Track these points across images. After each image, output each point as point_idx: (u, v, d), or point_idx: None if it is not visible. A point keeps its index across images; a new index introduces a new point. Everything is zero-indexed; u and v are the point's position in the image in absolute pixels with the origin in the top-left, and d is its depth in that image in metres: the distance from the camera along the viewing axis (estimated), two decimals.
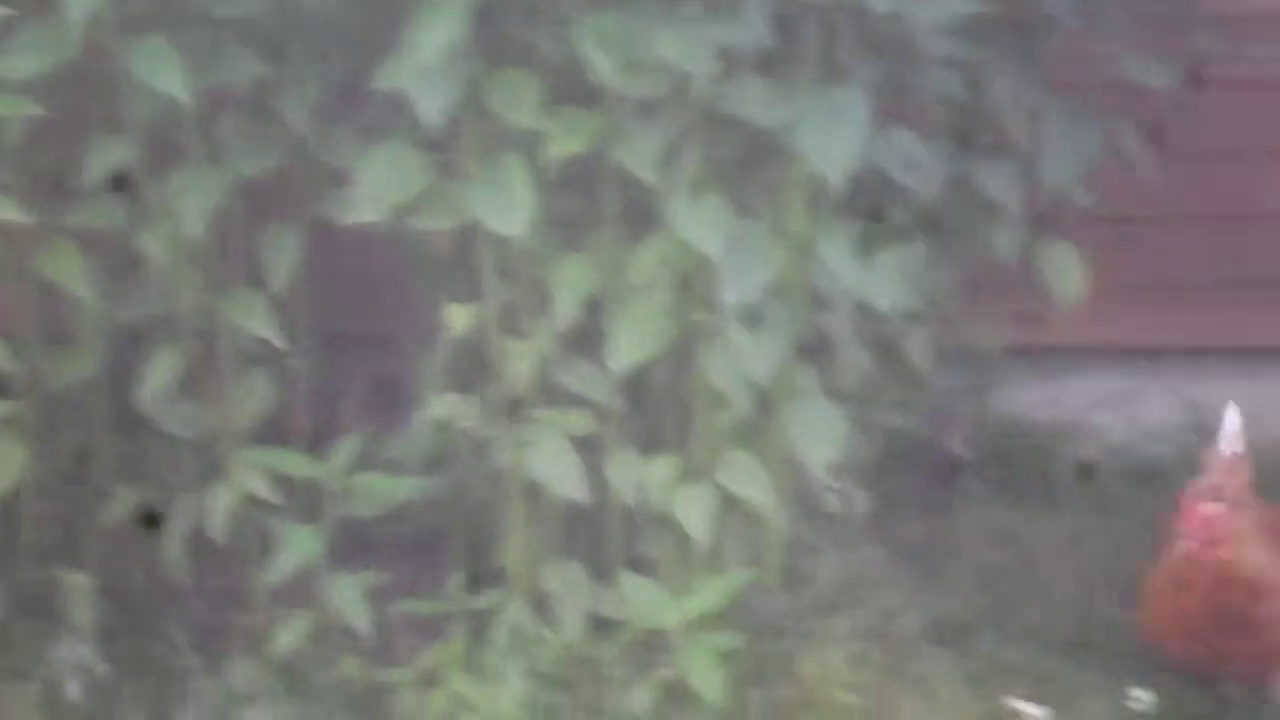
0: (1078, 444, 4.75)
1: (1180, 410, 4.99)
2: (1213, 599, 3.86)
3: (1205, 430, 4.93)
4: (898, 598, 4.36)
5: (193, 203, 3.98)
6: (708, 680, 3.93)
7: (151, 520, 4.27)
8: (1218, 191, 4.95)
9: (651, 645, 4.04)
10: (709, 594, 4.02)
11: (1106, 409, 4.96)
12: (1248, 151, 4.93)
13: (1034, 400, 4.80)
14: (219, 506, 4.09)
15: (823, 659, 4.11)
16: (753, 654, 4.12)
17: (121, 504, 4.22)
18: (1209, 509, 3.84)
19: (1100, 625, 4.33)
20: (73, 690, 4.09)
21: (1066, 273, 4.25)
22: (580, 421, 4.09)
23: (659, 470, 4.07)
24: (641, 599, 4.04)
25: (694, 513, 4.03)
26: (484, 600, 4.14)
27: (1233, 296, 4.94)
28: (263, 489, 4.10)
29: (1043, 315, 4.38)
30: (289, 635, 4.09)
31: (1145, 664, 4.16)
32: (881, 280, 3.98)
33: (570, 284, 4.00)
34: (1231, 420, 3.92)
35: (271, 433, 4.23)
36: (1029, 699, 4.13)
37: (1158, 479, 4.86)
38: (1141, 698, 4.09)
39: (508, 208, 3.94)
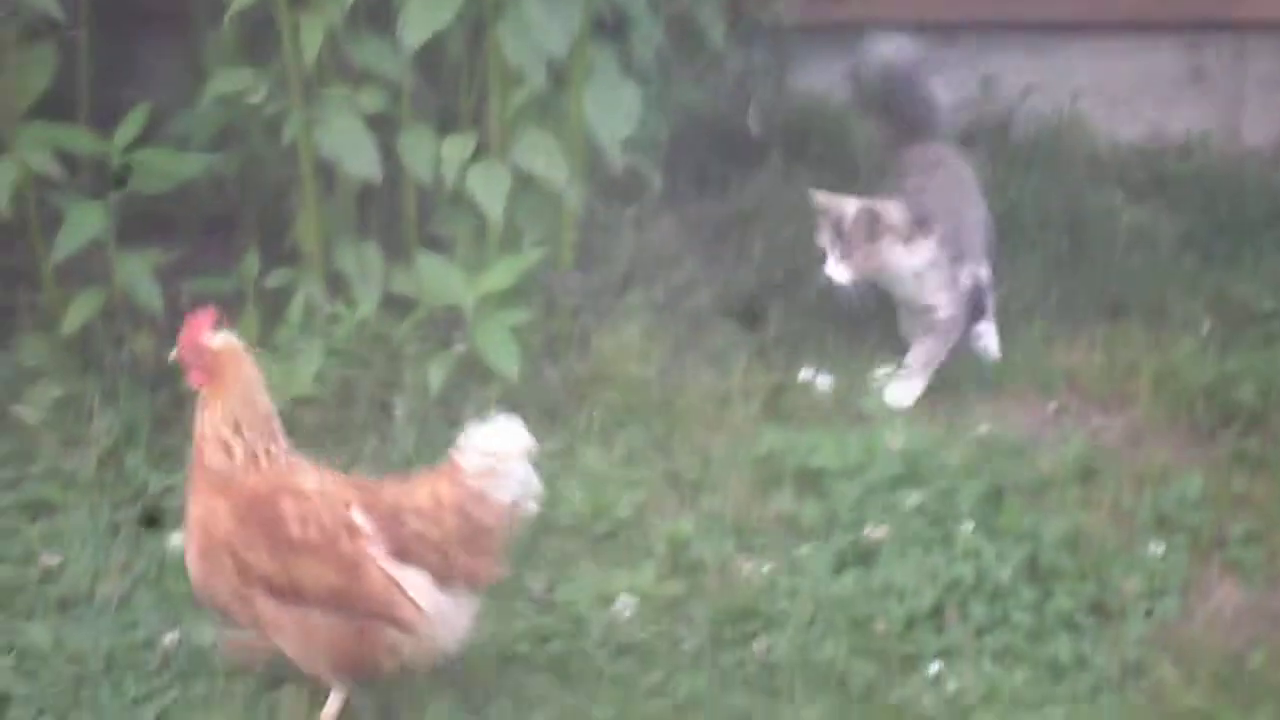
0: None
1: (975, 84, 5.05)
2: None
3: (998, 102, 5.04)
4: (692, 274, 4.42)
5: None
6: (502, 355, 3.97)
7: None
8: None
9: (446, 322, 4.07)
10: (503, 271, 4.03)
11: None
12: None
13: (832, 77, 4.79)
14: (3, 182, 4.00)
15: (617, 335, 4.17)
16: (547, 331, 4.17)
17: None
18: None
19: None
20: None
21: None
22: (372, 98, 4.04)
23: (454, 148, 4.05)
24: (437, 277, 4.05)
25: (489, 191, 4.02)
26: (277, 279, 4.13)
27: None
28: (45, 165, 4.02)
29: None
30: (78, 312, 4.06)
31: None
32: None
33: None
34: None
35: (56, 109, 4.13)
36: (816, 369, 4.24)
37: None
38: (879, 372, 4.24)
39: None
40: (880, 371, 4.24)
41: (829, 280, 4.19)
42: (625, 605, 3.60)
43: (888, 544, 3.68)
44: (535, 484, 3.35)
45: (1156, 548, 3.68)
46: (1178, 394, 4.09)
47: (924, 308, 4.23)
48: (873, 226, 4.15)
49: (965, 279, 4.26)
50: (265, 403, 3.32)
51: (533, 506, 3.35)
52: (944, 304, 4.22)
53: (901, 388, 4.19)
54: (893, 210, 4.17)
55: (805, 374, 4.22)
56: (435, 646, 3.32)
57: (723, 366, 4.23)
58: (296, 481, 3.30)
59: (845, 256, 4.17)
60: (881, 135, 4.48)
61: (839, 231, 4.16)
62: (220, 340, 3.33)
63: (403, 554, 3.28)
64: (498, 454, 3.30)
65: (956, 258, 4.23)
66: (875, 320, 4.35)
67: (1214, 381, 4.09)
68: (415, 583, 3.28)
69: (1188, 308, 4.29)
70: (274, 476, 3.29)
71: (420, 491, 3.31)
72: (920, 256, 4.19)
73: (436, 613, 3.29)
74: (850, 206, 4.18)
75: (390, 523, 3.29)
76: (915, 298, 4.23)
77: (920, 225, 4.17)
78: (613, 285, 4.27)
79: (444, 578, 3.30)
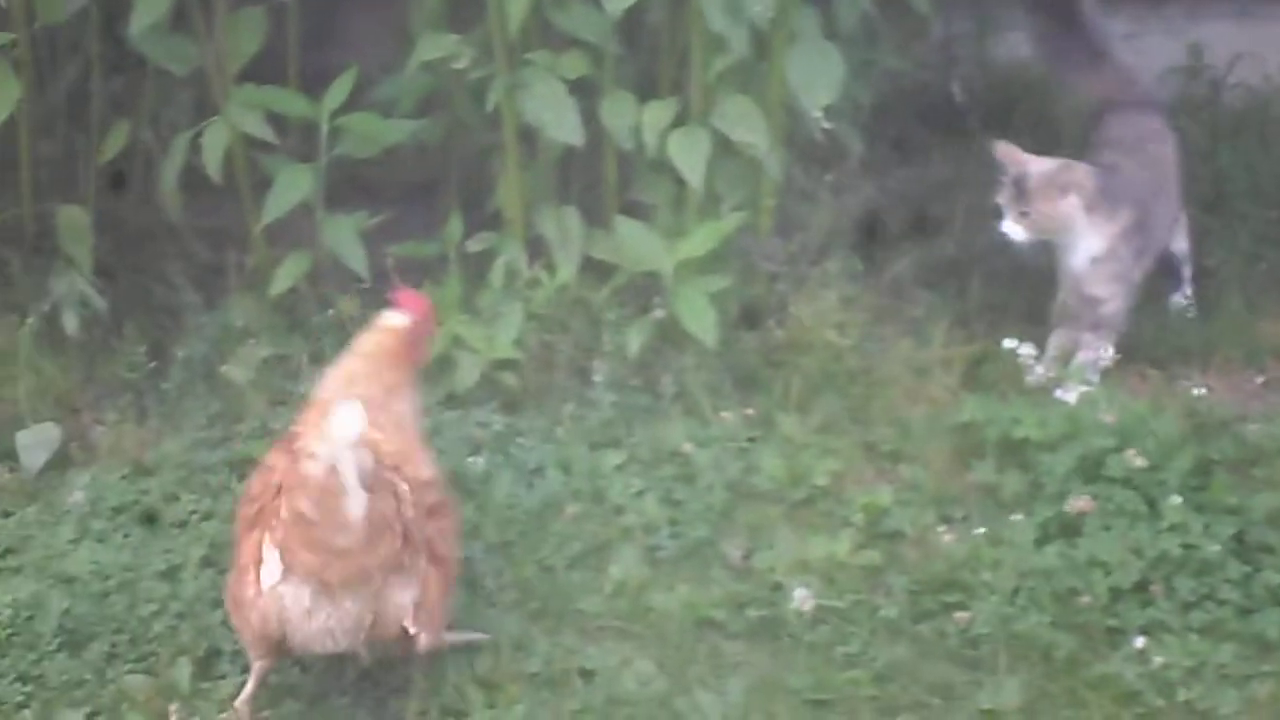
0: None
1: (1181, 53, 4.96)
2: None
3: (1206, 71, 4.95)
4: (891, 242, 4.39)
5: None
6: (700, 321, 3.97)
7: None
8: None
9: (645, 289, 4.08)
10: (702, 237, 4.03)
11: None
12: None
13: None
14: (214, 144, 4.08)
15: (815, 302, 4.14)
16: (745, 297, 4.16)
17: (117, 140, 4.21)
18: None
19: None
20: (70, 323, 4.13)
21: None
22: (576, 64, 4.05)
23: (655, 114, 4.05)
24: (636, 242, 4.06)
25: (689, 156, 4.02)
26: (479, 243, 4.17)
27: None
28: (257, 128, 4.08)
29: None
30: (286, 274, 4.12)
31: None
32: None
33: None
34: None
35: (266, 72, 4.20)
36: (1020, 339, 4.18)
37: None
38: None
39: None
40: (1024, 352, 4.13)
41: (1004, 238, 4.11)
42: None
43: (1092, 517, 3.63)
44: (362, 477, 3.03)
45: None
46: None
47: (1089, 298, 4.12)
48: (1059, 184, 4.06)
49: (1138, 274, 4.17)
50: None
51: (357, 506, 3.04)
52: (1112, 296, 4.12)
53: (1073, 394, 4.05)
54: (1082, 172, 4.08)
55: (1009, 343, 4.16)
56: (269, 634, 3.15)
57: (921, 336, 4.19)
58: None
59: (1024, 214, 4.08)
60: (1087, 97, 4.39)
61: (1020, 188, 4.07)
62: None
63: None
64: (331, 439, 3.01)
65: (1140, 251, 4.14)
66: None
67: None
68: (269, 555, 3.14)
69: None
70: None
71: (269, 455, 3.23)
72: (1101, 236, 4.08)
73: (273, 593, 3.11)
74: (1036, 163, 4.09)
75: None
76: (1083, 282, 4.13)
77: (1108, 199, 4.08)
78: (812, 252, 4.24)
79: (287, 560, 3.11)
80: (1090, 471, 3.73)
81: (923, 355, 4.14)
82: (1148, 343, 4.20)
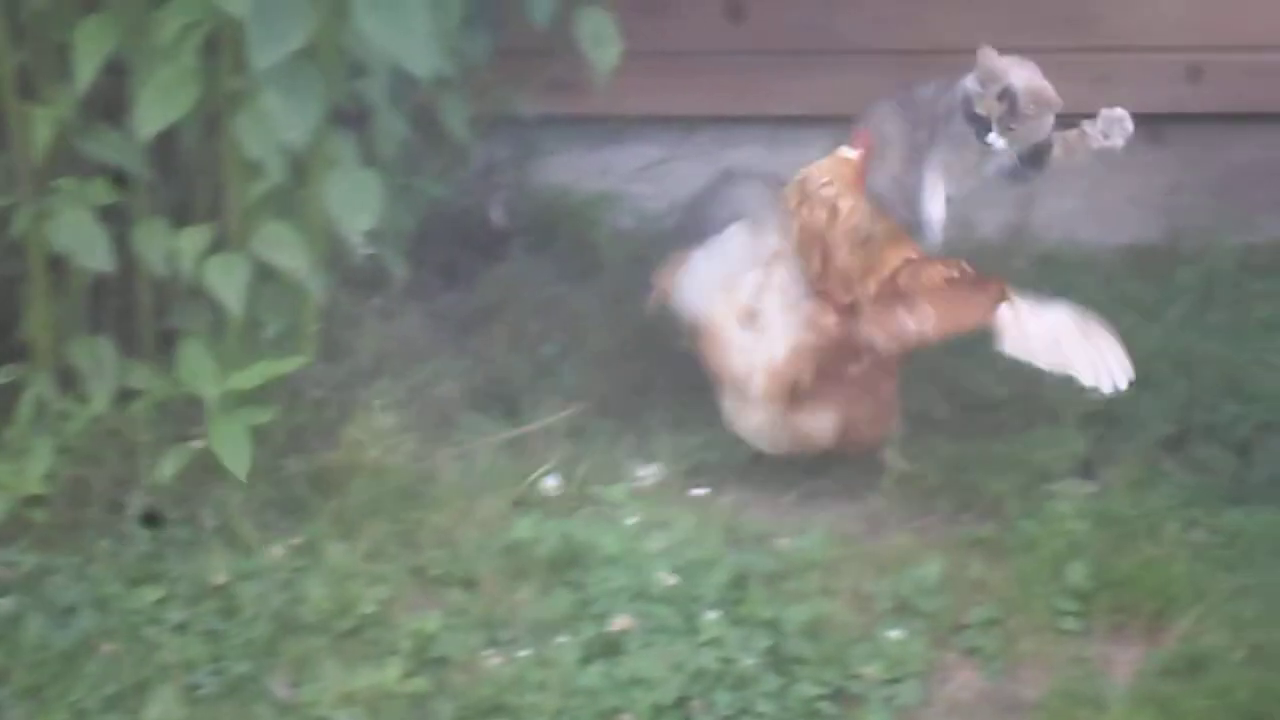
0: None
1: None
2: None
3: None
4: (440, 366, 4.40)
5: None
6: (236, 453, 3.90)
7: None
8: None
9: (184, 417, 3.99)
10: (253, 373, 3.96)
11: (645, 178, 5.04)
12: None
13: (576, 170, 4.83)
14: None
15: (363, 425, 4.12)
16: (291, 424, 4.11)
17: None
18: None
19: (633, 386, 4.46)
20: None
21: (601, 40, 4.27)
22: (104, 191, 3.96)
23: (190, 240, 3.98)
24: (181, 369, 3.98)
25: (227, 283, 3.96)
26: (5, 375, 4.03)
27: (757, 64, 5.03)
28: None
29: (581, 84, 4.40)
30: None
31: (688, 421, 4.33)
32: (417, 45, 3.91)
33: (90, 46, 3.84)
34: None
35: None
36: (567, 461, 4.23)
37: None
38: (649, 472, 4.24)
39: None
40: None
41: (989, 147, 4.28)
42: None
43: (634, 634, 3.68)
44: None
45: (896, 634, 3.73)
46: (917, 481, 4.16)
47: None
48: (1043, 101, 4.26)
49: None
50: None
51: None
52: None
53: None
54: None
55: (547, 473, 4.21)
56: None
57: (471, 457, 4.20)
58: None
59: (1011, 129, 4.26)
60: None
61: (1011, 104, 4.23)
62: None
63: None
64: None
65: None
66: (626, 413, 4.37)
67: (952, 468, 4.17)
68: None
69: (924, 394, 4.37)
70: None
71: None
72: None
73: None
74: (1017, 75, 4.26)
75: None
76: None
77: None
78: (359, 377, 4.24)
79: None
80: (633, 589, 3.79)
81: (472, 476, 4.16)
82: (694, 456, 4.29)
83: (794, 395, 4.06)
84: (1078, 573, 3.81)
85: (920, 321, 4.03)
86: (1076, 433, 4.24)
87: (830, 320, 4.07)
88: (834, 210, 4.10)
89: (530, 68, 4.51)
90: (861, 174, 4.14)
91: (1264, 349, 4.57)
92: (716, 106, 5.04)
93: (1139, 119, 4.35)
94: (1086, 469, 4.19)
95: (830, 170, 4.13)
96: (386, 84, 4.06)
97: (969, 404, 4.36)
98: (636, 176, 5.02)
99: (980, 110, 4.27)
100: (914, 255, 4.14)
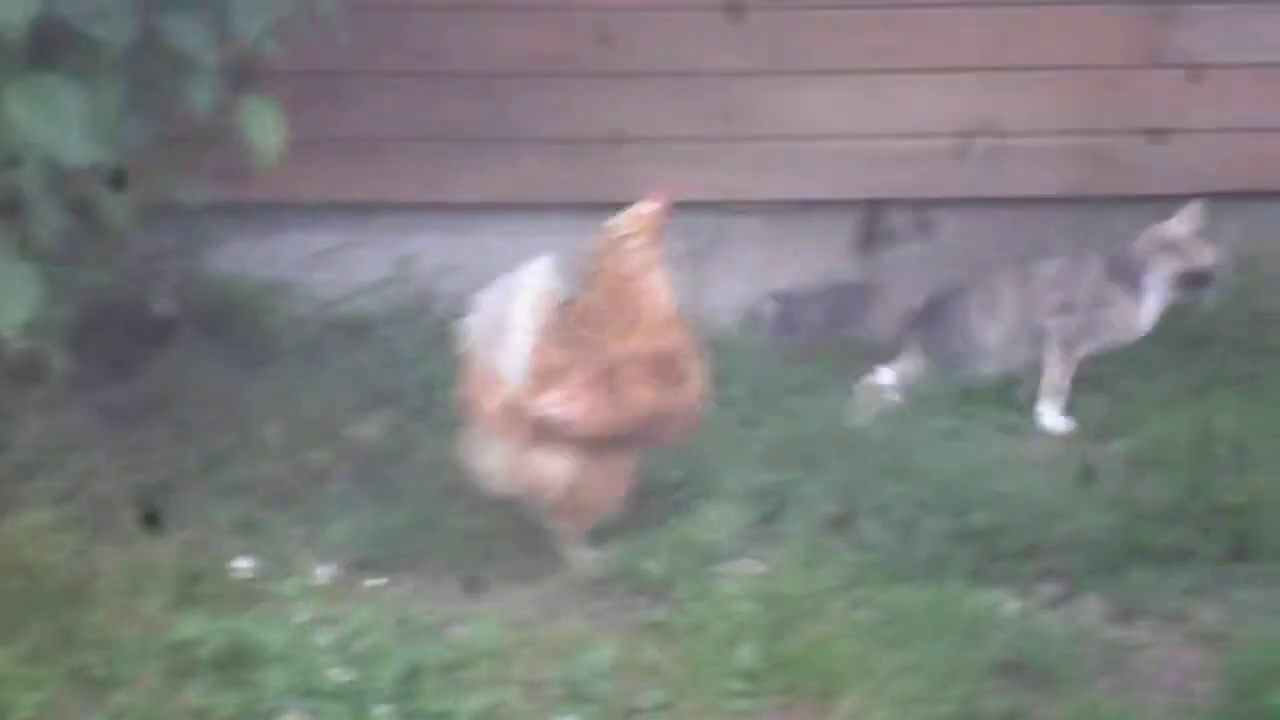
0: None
1: (391, 265, 5.09)
2: None
3: (413, 282, 5.09)
4: (101, 459, 4.29)
5: None
6: None
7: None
8: (416, 49, 5.02)
9: None
10: None
11: (321, 265, 5.00)
12: (438, 6, 5.01)
13: (248, 258, 4.77)
14: None
15: (22, 520, 3.99)
16: None
17: None
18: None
19: (305, 476, 4.40)
20: None
21: (265, 127, 4.20)
22: None
23: None
24: None
25: None
26: None
27: (436, 153, 5.03)
28: None
29: (248, 171, 4.34)
30: None
31: (365, 510, 4.28)
32: (72, 135, 3.82)
33: None
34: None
35: None
36: (243, 552, 4.14)
37: (368, 331, 4.98)
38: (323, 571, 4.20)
39: None
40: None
41: None
42: None
43: None
44: None
45: (569, 719, 3.72)
46: (593, 565, 4.17)
47: None
48: None
49: None
50: None
51: None
52: None
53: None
54: None
55: (239, 562, 4.12)
56: None
57: (133, 553, 4.09)
58: None
59: None
60: None
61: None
62: None
63: None
64: None
65: None
66: (300, 503, 4.31)
67: (625, 551, 4.19)
68: None
69: None
70: None
71: None
72: None
73: None
74: None
75: None
76: None
77: None
78: (17, 470, 4.11)
79: None
80: (303, 686, 3.71)
81: (135, 572, 4.05)
82: (369, 546, 4.24)
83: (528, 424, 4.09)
84: (747, 653, 3.84)
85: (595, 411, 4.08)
86: (743, 512, 4.29)
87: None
88: (643, 261, 4.15)
89: (197, 155, 4.44)
90: (660, 227, 4.19)
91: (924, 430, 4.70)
92: (395, 193, 5.03)
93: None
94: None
95: (633, 223, 4.18)
96: (42, 173, 3.95)
97: (643, 486, 4.39)
98: (312, 264, 4.98)
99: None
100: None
